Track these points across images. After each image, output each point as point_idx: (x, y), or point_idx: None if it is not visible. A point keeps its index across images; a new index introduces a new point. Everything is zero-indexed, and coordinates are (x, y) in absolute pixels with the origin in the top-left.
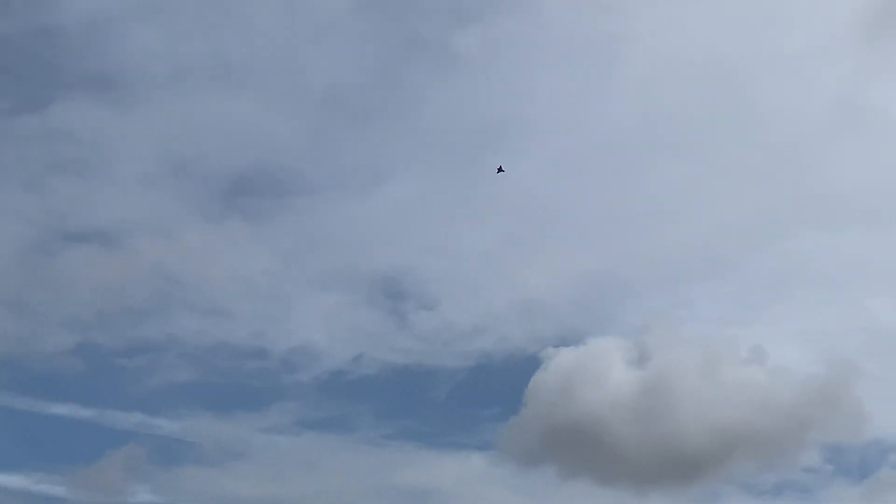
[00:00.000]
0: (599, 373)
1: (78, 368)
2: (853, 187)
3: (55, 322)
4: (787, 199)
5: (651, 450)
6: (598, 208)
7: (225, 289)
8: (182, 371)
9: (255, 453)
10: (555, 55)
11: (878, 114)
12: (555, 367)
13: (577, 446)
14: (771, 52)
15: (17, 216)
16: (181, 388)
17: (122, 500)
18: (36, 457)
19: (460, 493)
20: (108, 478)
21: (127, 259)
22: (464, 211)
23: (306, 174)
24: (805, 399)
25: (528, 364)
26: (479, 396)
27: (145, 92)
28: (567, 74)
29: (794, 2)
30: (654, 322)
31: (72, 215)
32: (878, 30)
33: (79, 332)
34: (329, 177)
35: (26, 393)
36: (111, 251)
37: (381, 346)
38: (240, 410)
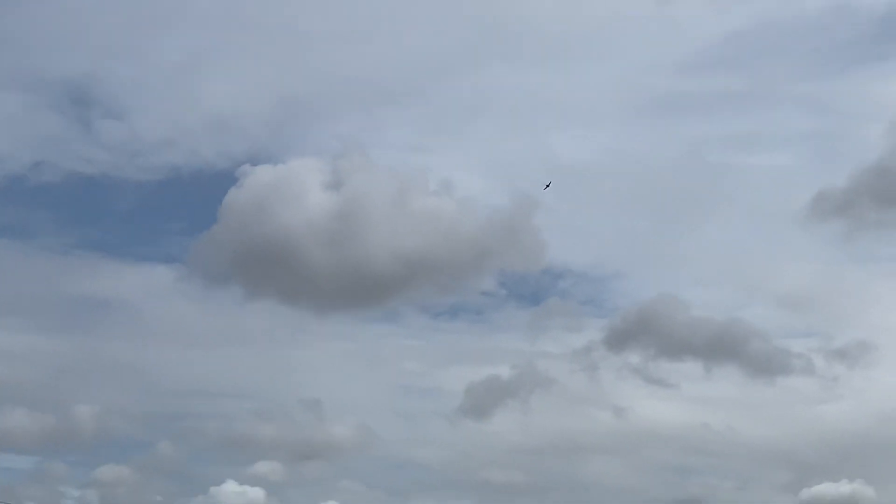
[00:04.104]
0: (294, 194)
1: None
2: (542, 24)
3: None
4: (479, 30)
5: (337, 272)
6: (294, 26)
7: None
8: None
9: None
10: None
11: None
12: (250, 185)
13: (266, 266)
14: None
15: None
16: None
17: None
18: None
19: (143, 306)
20: None
21: None
22: (155, 17)
23: None
24: (487, 229)
25: (222, 180)
26: (167, 210)
27: None
28: None
29: None
30: (350, 147)
31: None
32: None
33: None
34: None
35: None
36: None
37: (64, 154)
38: None
